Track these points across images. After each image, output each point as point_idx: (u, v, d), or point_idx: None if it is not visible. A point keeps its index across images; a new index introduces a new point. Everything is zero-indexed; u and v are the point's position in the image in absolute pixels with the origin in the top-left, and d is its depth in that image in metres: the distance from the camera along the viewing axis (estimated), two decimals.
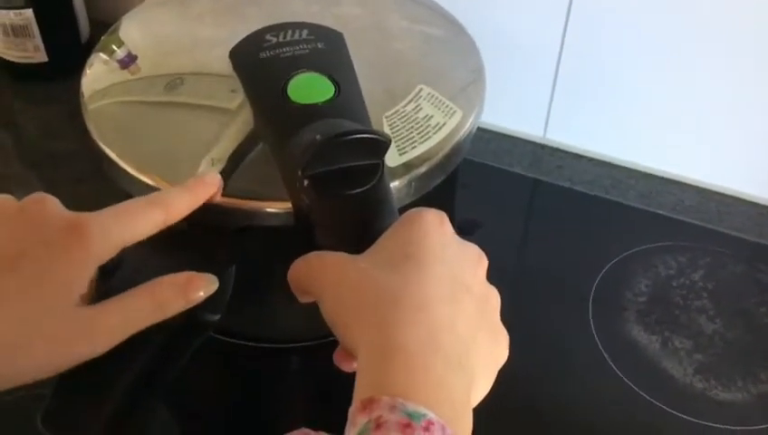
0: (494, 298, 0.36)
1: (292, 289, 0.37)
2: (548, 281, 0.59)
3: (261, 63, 0.44)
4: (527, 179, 0.67)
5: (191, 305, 0.37)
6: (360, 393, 0.30)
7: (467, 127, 0.45)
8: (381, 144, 0.38)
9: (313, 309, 0.38)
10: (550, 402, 0.52)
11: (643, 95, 0.64)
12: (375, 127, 0.42)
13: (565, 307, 0.57)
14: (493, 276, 0.56)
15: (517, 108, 0.69)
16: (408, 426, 0.28)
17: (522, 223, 0.64)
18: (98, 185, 0.64)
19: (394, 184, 0.41)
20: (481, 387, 0.34)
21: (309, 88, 0.42)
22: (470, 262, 0.36)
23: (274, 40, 0.45)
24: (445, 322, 0.32)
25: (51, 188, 0.63)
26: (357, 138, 0.38)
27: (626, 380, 0.52)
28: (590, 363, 0.53)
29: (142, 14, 0.53)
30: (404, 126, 0.44)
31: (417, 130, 0.44)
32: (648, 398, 0.51)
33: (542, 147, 0.70)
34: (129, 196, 0.43)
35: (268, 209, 0.41)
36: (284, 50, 0.44)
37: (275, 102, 0.42)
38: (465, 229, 0.60)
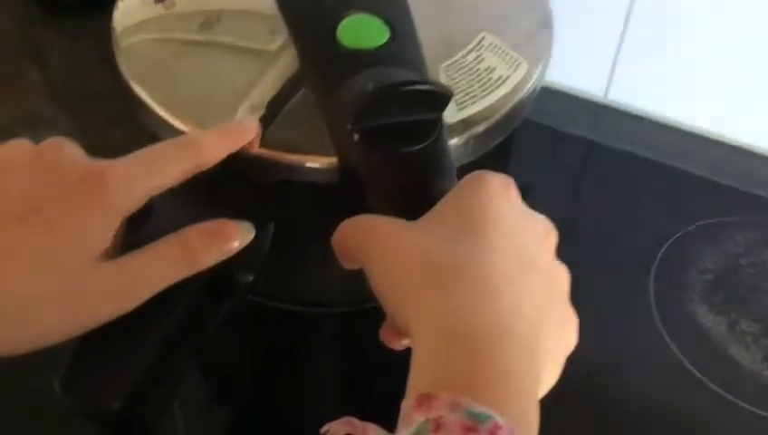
0: (562, 277, 0.32)
1: (336, 253, 0.34)
2: (604, 254, 0.55)
3: (308, 1, 0.40)
4: (584, 141, 0.63)
5: (225, 257, 0.34)
6: (415, 386, 0.27)
7: (533, 81, 0.42)
8: (442, 97, 0.34)
9: (352, 274, 0.35)
10: (604, 386, 0.48)
11: (715, 57, 0.59)
12: (432, 78, 0.38)
13: (623, 283, 0.53)
14: None
15: (577, 63, 0.64)
16: (472, 429, 0.24)
17: (576, 189, 0.60)
18: (131, 128, 0.62)
19: (452, 142, 0.37)
20: (548, 378, 0.30)
21: (361, 31, 0.38)
22: (538, 235, 0.32)
23: None
24: (513, 303, 0.28)
25: (80, 130, 0.63)
26: (415, 89, 0.34)
27: (687, 364, 0.49)
28: (648, 345, 0.50)
29: None
30: (464, 78, 0.40)
31: (478, 82, 0.40)
32: (711, 385, 0.48)
33: (603, 107, 0.65)
34: (158, 139, 0.41)
35: (310, 164, 0.37)
36: None
37: (324, 46, 0.38)
38: None
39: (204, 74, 0.41)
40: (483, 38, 0.42)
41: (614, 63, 0.63)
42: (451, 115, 0.38)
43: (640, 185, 0.59)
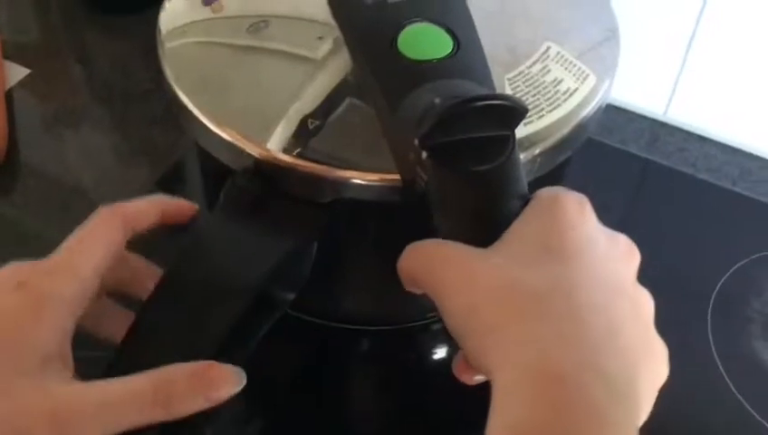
0: (647, 302, 0.31)
1: (403, 279, 0.32)
2: (660, 282, 0.51)
3: (366, 9, 0.38)
4: (641, 160, 0.60)
5: (208, 407, 0.30)
6: (497, 428, 0.25)
7: (601, 94, 0.39)
8: (515, 112, 0.32)
9: (395, 295, 0.34)
10: (656, 424, 0.45)
11: None
12: (498, 90, 0.36)
13: (679, 315, 0.50)
14: None
15: (638, 78, 0.61)
16: None
17: (632, 211, 0.58)
18: (171, 128, 0.61)
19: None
20: (642, 414, 0.28)
21: (423, 41, 0.36)
22: (622, 257, 0.30)
23: None
24: (603, 337, 0.26)
25: (121, 127, 0.62)
26: (488, 104, 0.31)
27: (746, 404, 0.46)
28: (705, 382, 0.47)
29: None
30: (529, 90, 0.38)
31: (544, 95, 0.38)
32: (764, 423, 0.45)
33: (663, 125, 0.62)
34: (199, 146, 0.40)
35: (361, 181, 0.35)
36: None
37: (384, 56, 0.36)
38: None
39: (248, 80, 0.39)
40: (548, 48, 0.40)
41: (676, 81, 0.60)
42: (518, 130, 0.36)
43: (700, 208, 0.57)
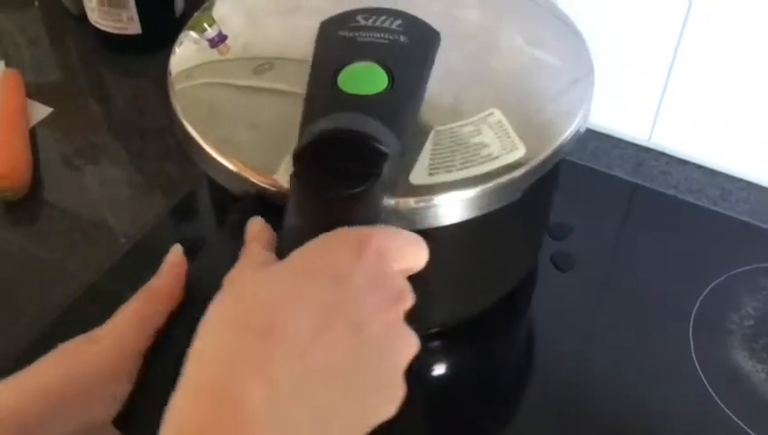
0: (398, 348, 0.31)
1: None
2: (644, 297, 0.55)
3: (336, 41, 0.42)
4: (627, 184, 0.63)
5: None
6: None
7: (524, 169, 0.39)
8: (377, 153, 0.34)
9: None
10: (641, 431, 0.48)
11: (759, 103, 0.59)
12: (417, 137, 0.39)
13: (662, 327, 0.53)
14: (582, 287, 0.55)
15: (622, 106, 0.64)
16: None
17: (618, 231, 0.60)
18: (183, 161, 0.64)
19: (433, 199, 0.38)
20: None
21: (361, 78, 0.39)
22: (381, 299, 0.31)
23: (363, 22, 0.43)
24: (292, 358, 0.28)
25: (137, 161, 0.65)
26: (349, 138, 0.34)
27: (727, 411, 0.48)
28: (688, 392, 0.49)
29: None
30: (450, 146, 0.39)
31: (461, 154, 0.39)
32: (751, 433, 0.47)
33: (647, 150, 0.65)
34: (210, 178, 0.42)
35: None
36: (365, 34, 0.42)
37: (321, 83, 0.39)
38: (556, 234, 0.57)
39: (254, 117, 0.42)
40: (491, 114, 0.41)
41: (658, 107, 0.63)
42: (418, 177, 0.38)
43: (682, 229, 0.59)
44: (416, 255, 0.34)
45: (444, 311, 0.49)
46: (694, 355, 0.51)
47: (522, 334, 0.55)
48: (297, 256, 0.32)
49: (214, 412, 0.27)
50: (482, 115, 0.41)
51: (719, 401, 0.49)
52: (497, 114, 0.41)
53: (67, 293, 0.54)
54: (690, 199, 0.61)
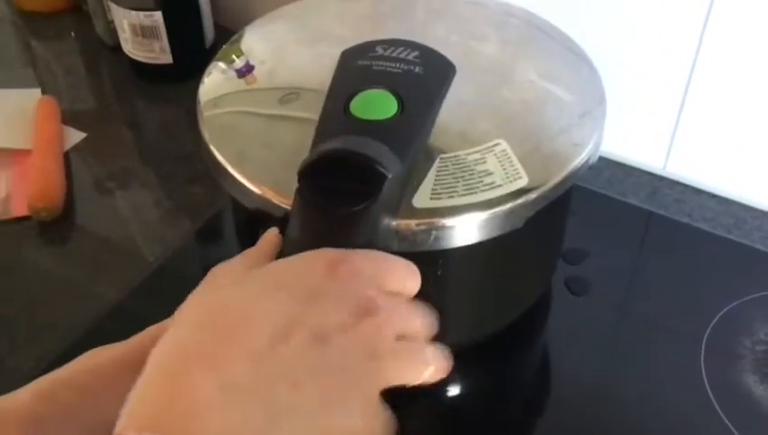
0: (364, 369, 0.32)
1: None
2: (657, 321, 0.56)
3: (353, 69, 0.44)
4: (642, 211, 0.64)
5: None
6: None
7: (525, 198, 0.41)
8: (376, 175, 0.36)
9: None
10: None
11: None
12: (423, 162, 0.40)
13: (674, 352, 0.54)
14: (596, 311, 0.56)
15: (637, 135, 0.66)
16: None
17: (633, 257, 0.61)
18: (210, 185, 0.66)
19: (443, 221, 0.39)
20: None
21: (372, 104, 0.41)
22: (344, 318, 0.32)
23: (381, 52, 0.45)
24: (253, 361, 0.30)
25: (166, 185, 0.68)
26: (349, 159, 0.36)
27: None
28: (699, 416, 0.50)
29: (266, 25, 0.53)
30: (453, 172, 0.40)
31: (464, 180, 0.40)
32: None
33: (661, 178, 0.66)
34: (234, 202, 0.44)
35: None
36: (382, 63, 0.44)
37: (334, 107, 0.41)
38: (571, 258, 0.58)
39: (278, 144, 0.43)
40: (497, 145, 0.42)
41: (672, 136, 0.64)
42: (422, 201, 0.39)
43: (696, 256, 0.60)
44: (402, 279, 0.35)
45: (456, 331, 0.50)
46: (705, 379, 0.52)
47: (536, 357, 0.56)
48: (275, 266, 0.34)
49: (169, 401, 0.28)
50: (488, 145, 0.42)
51: (730, 426, 0.49)
52: (503, 144, 0.42)
53: (93, 312, 0.56)
54: (704, 227, 0.62)
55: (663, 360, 0.53)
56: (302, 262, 0.34)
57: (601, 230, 0.62)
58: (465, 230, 0.40)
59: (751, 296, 0.56)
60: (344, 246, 0.35)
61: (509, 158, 0.41)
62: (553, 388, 0.53)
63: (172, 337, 0.31)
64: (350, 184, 0.35)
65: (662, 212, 0.63)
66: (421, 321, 0.36)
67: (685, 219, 0.63)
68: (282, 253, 0.37)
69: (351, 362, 0.31)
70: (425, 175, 0.40)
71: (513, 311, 0.51)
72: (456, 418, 0.52)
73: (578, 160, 0.43)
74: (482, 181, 0.40)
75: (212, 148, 0.44)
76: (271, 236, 0.39)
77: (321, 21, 0.53)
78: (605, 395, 0.52)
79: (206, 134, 0.45)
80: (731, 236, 0.61)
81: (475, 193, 0.40)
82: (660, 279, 0.58)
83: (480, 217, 0.40)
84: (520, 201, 0.40)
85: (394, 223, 0.38)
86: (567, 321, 0.56)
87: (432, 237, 0.39)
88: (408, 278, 0.36)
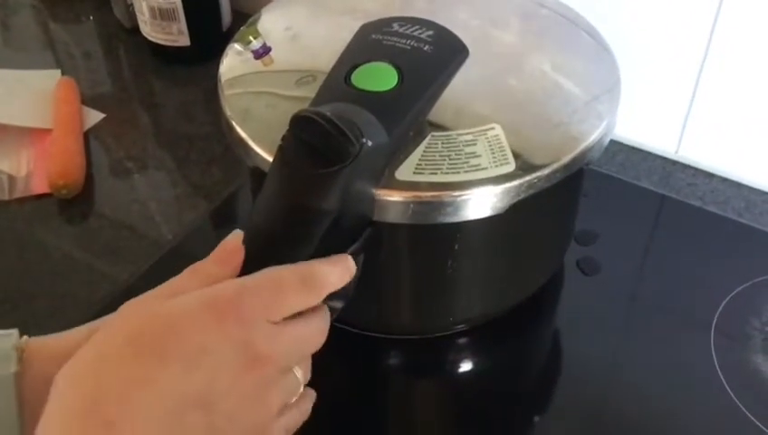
0: (255, 410, 0.33)
1: None
2: (668, 302, 0.56)
3: (364, 42, 0.45)
4: (655, 195, 0.64)
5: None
6: None
7: (505, 185, 0.41)
8: (344, 144, 0.36)
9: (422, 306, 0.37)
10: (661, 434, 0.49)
11: None
12: (414, 137, 0.41)
13: (684, 332, 0.54)
14: (608, 291, 0.57)
15: (650, 120, 0.66)
16: None
17: (645, 239, 0.62)
18: (227, 166, 0.67)
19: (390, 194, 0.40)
20: None
21: (373, 76, 0.42)
22: (234, 372, 0.32)
23: (396, 28, 0.45)
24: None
25: (183, 166, 0.68)
26: (323, 125, 0.36)
27: (749, 415, 0.49)
28: (709, 395, 0.51)
29: (282, 8, 0.54)
30: (442, 151, 0.41)
31: (450, 159, 0.41)
32: None
33: (674, 163, 0.67)
34: (253, 175, 0.45)
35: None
36: (394, 39, 0.45)
37: (336, 77, 0.42)
38: (582, 240, 0.59)
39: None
40: (491, 128, 0.42)
41: (685, 121, 0.65)
42: (404, 173, 0.40)
43: (707, 238, 0.61)
44: (309, 289, 0.35)
45: (468, 308, 0.51)
46: (715, 359, 0.52)
47: (547, 335, 0.56)
48: (165, 319, 0.33)
49: None
50: (482, 128, 0.42)
51: (740, 405, 0.50)
52: (497, 129, 0.42)
53: (109, 290, 0.57)
54: (716, 210, 0.63)
55: (673, 340, 0.54)
56: (186, 322, 0.33)
57: (614, 213, 0.63)
58: (442, 208, 0.40)
59: (761, 278, 0.57)
60: (311, 207, 0.36)
61: (500, 143, 0.42)
62: (564, 366, 0.54)
63: (55, 421, 0.31)
64: (326, 148, 0.36)
65: (674, 195, 0.64)
66: (312, 340, 0.36)
67: (696, 203, 0.63)
68: (252, 208, 0.38)
69: (244, 414, 0.32)
70: (413, 149, 0.41)
71: (525, 288, 0.52)
72: (467, 392, 0.52)
73: (571, 155, 0.43)
74: (467, 162, 0.41)
75: (234, 124, 0.45)
76: (227, 244, 0.37)
77: (337, 3, 0.54)
78: (615, 374, 0.53)
79: (228, 111, 0.46)
80: (742, 220, 0.62)
81: (458, 173, 0.40)
82: (671, 261, 0.59)
83: (458, 196, 0.40)
84: (502, 187, 0.40)
85: (375, 191, 0.39)
86: (578, 300, 0.57)
87: (410, 211, 0.40)
88: (305, 289, 0.35)
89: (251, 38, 0.50)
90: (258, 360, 0.33)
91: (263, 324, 0.33)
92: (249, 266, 0.36)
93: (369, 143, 0.37)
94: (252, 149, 0.43)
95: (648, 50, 0.62)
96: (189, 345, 0.32)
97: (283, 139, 0.37)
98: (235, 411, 0.32)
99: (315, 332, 0.36)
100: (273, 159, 0.38)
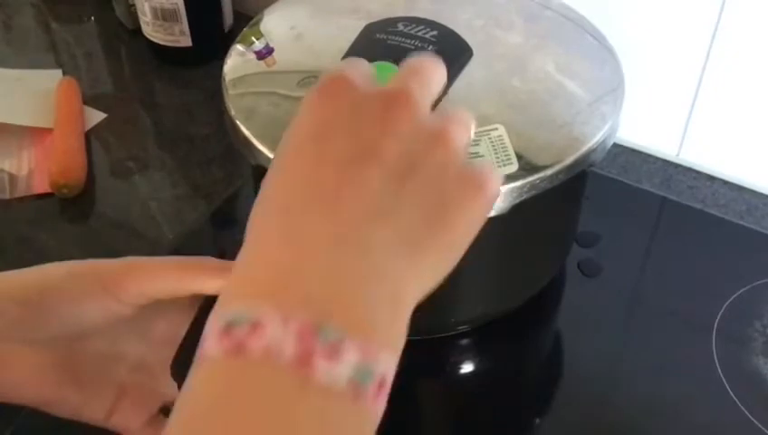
0: (434, 148, 0.30)
1: None
2: (669, 305, 0.56)
3: (368, 41, 0.45)
4: (656, 197, 0.64)
5: None
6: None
7: (508, 186, 0.41)
8: None
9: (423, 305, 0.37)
10: None
11: None
12: None
13: (686, 335, 0.54)
14: (608, 293, 0.57)
15: (651, 123, 0.66)
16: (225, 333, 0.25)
17: (646, 241, 0.62)
18: (227, 166, 0.68)
19: None
20: (427, 264, 0.30)
21: (379, 76, 0.42)
22: (372, 119, 0.30)
23: (401, 28, 0.45)
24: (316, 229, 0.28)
25: (184, 167, 0.69)
26: None
27: (751, 417, 0.49)
28: (710, 397, 0.51)
29: (285, 9, 0.54)
30: None
31: None
32: None
33: (675, 165, 0.67)
34: (255, 173, 0.45)
35: None
36: (397, 39, 0.45)
37: None
38: (584, 241, 0.59)
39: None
40: (495, 129, 0.43)
41: (686, 124, 0.65)
42: None
43: (708, 241, 0.61)
44: (438, 78, 0.34)
45: (470, 309, 0.51)
46: (717, 362, 0.52)
47: (549, 336, 0.56)
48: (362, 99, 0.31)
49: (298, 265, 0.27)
50: (486, 128, 0.42)
51: (742, 407, 0.50)
52: (501, 130, 0.42)
53: None
54: (716, 213, 0.63)
55: (674, 342, 0.54)
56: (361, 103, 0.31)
57: (615, 215, 0.63)
58: None
59: (762, 281, 0.57)
60: None
61: (503, 143, 0.42)
62: (565, 367, 0.54)
63: (282, 180, 0.30)
64: None
65: (675, 198, 0.64)
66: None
67: (698, 205, 0.64)
68: None
69: (445, 184, 0.30)
70: None
71: (526, 290, 0.52)
72: (470, 395, 0.53)
73: (574, 156, 0.43)
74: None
75: (238, 123, 0.45)
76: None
77: (339, 4, 0.54)
78: (616, 376, 0.53)
79: (232, 110, 0.46)
80: (743, 223, 0.62)
81: None
82: (672, 263, 0.59)
83: None
84: (505, 187, 0.40)
85: None
86: (579, 301, 0.57)
87: None
88: (438, 77, 0.34)
89: (254, 39, 0.51)
90: (392, 105, 0.31)
91: (426, 103, 0.32)
92: None
93: None
94: (256, 148, 0.43)
95: (650, 52, 0.62)
96: (313, 119, 0.31)
97: None
98: (412, 150, 0.30)
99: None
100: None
